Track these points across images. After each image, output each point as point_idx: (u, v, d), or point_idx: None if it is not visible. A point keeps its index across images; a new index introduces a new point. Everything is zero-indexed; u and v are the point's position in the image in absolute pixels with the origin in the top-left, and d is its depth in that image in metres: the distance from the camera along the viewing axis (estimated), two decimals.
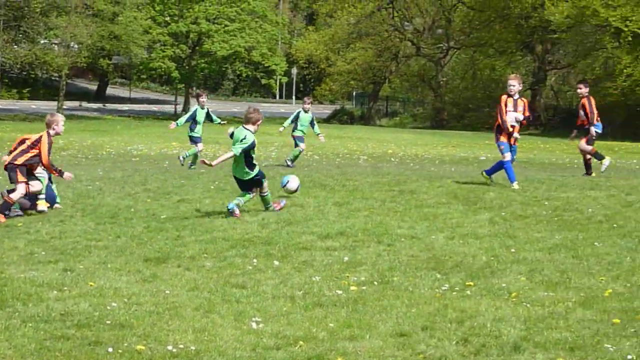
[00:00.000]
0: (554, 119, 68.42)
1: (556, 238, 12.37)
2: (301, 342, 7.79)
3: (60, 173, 14.72)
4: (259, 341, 7.83)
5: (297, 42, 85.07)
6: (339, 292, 9.59)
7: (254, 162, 14.19)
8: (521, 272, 10.43)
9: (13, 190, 14.30)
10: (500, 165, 17.16)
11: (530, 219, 13.82)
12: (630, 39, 54.64)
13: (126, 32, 61.87)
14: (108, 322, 8.26)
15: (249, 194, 14.27)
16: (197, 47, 68.99)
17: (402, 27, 72.91)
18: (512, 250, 11.62)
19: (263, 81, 75.11)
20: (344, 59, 71.98)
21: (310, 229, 12.94)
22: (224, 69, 78.38)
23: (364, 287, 9.82)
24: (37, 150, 14.33)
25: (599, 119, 19.63)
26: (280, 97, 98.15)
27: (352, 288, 9.75)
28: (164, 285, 9.72)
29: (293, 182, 15.61)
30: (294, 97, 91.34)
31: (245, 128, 14.11)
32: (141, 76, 76.28)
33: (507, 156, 16.73)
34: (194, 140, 22.67)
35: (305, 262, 11.03)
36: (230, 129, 14.45)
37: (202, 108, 22.61)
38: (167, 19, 67.71)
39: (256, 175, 14.16)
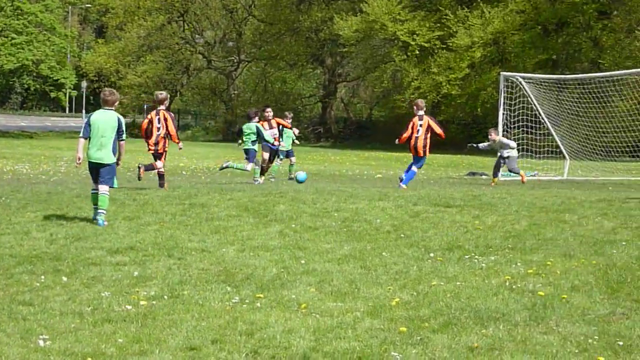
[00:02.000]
0: (344, 131, 69.86)
1: (345, 249, 12.63)
2: (89, 359, 7.64)
3: None
4: (46, 359, 7.63)
5: (86, 55, 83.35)
6: (129, 307, 9.45)
7: None
8: (311, 283, 10.58)
9: None
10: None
11: (320, 230, 14.05)
12: (417, 52, 56.55)
13: None
14: None
15: None
16: None
17: (193, 40, 72.82)
18: (302, 261, 11.78)
19: (52, 94, 73.22)
20: (135, 72, 71.17)
21: (100, 244, 12.71)
22: (11, 82, 75.95)
23: (154, 302, 9.71)
24: None
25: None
26: (70, 110, 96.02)
27: (142, 303, 9.63)
28: None
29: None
30: (84, 110, 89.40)
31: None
32: None
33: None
34: None
35: (94, 278, 10.82)
36: None
37: None
38: None
39: None
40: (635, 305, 9.46)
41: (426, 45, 56.37)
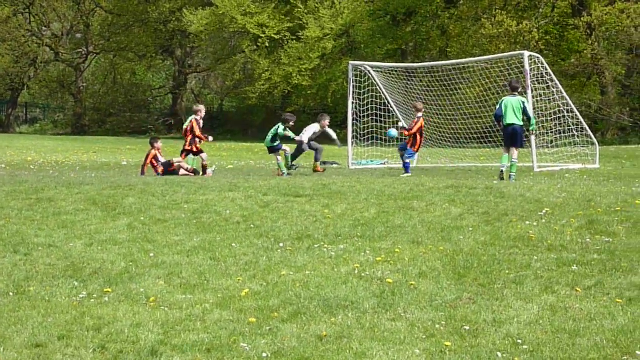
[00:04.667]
0: None
1: (195, 240, 12.55)
2: None
3: None
4: None
5: None
6: None
7: None
8: (160, 276, 10.48)
9: None
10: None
11: (170, 222, 13.92)
12: (267, 44, 56.54)
13: None
14: None
15: None
16: None
17: (40, 33, 70.99)
18: (151, 254, 11.65)
19: None
20: None
21: None
22: None
23: None
24: None
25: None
26: None
27: None
28: None
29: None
30: None
31: None
32: None
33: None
34: None
35: None
36: None
37: None
38: None
39: None
40: (481, 290, 9.69)
41: (276, 37, 56.47)
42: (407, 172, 23.33)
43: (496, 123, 22.08)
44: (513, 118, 20.76)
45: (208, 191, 16.94)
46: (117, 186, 17.55)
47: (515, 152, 20.97)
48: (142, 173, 23.75)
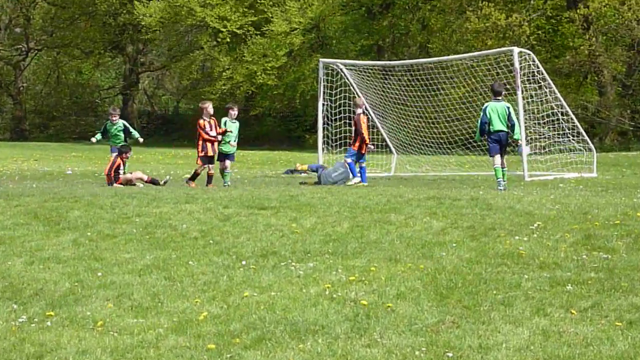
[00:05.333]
0: (148, 126, 69.20)
1: (147, 258, 12.52)
2: None
3: None
4: None
5: None
6: None
7: None
8: (108, 298, 10.45)
9: None
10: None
11: (119, 238, 13.88)
12: (228, 40, 56.46)
13: None
14: None
15: None
16: None
17: None
18: (99, 273, 11.61)
19: None
20: None
21: None
22: None
23: None
24: None
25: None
26: None
27: None
28: None
29: None
30: None
31: None
32: None
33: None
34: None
35: None
36: None
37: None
38: None
39: None
40: (466, 313, 9.72)
41: (239, 32, 56.47)
42: (353, 175, 23.36)
43: (480, 133, 21.52)
44: (500, 124, 20.89)
45: (162, 203, 16.90)
46: (61, 198, 17.48)
47: (503, 159, 21.11)
48: (110, 183, 23.75)
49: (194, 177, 23.66)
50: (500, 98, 21.14)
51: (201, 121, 23.23)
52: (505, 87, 22.62)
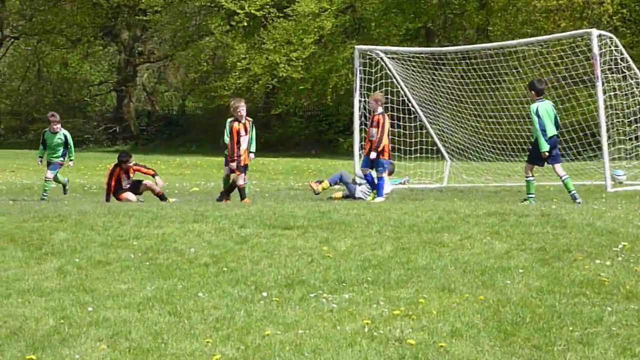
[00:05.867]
0: (148, 129, 69.24)
1: (148, 289, 12.56)
2: None
3: None
4: None
5: None
6: None
7: None
8: (101, 338, 10.48)
9: None
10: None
11: (114, 265, 13.93)
12: (245, 23, 56.27)
13: None
14: None
15: None
16: None
17: None
18: (90, 308, 11.65)
19: None
20: None
21: None
22: None
23: None
24: None
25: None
26: None
27: None
28: None
29: None
30: None
31: None
32: None
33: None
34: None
35: None
36: None
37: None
38: None
39: None
40: (535, 354, 9.70)
41: (257, 13, 56.47)
42: (379, 194, 23.09)
43: (540, 142, 21.30)
44: (552, 129, 21.16)
45: (165, 222, 16.96)
46: (44, 217, 17.58)
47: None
48: (108, 199, 23.91)
49: (229, 191, 23.81)
50: (543, 98, 21.31)
51: (235, 124, 23.01)
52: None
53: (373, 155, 22.81)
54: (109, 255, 14.52)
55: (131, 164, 24.75)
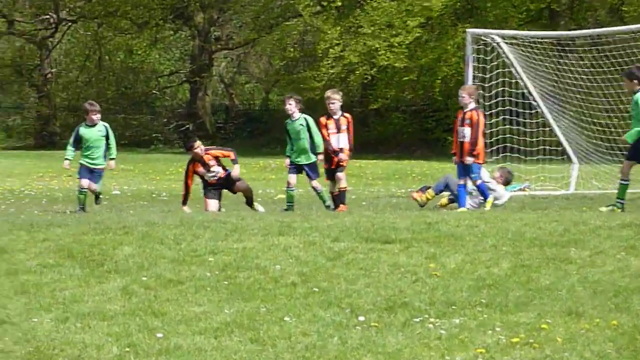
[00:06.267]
0: (226, 127, 69.38)
1: (226, 312, 12.63)
2: None
3: None
4: None
5: None
6: None
7: None
8: None
9: None
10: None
11: (187, 284, 14.01)
12: (339, 3, 56.19)
13: None
14: None
15: None
16: None
17: None
18: (159, 334, 11.74)
19: None
20: None
21: None
22: None
23: None
24: None
25: None
26: None
27: None
28: None
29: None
30: None
31: None
32: None
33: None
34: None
35: None
36: None
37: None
38: None
39: None
40: None
41: None
42: (485, 198, 22.97)
43: None
44: None
45: (246, 235, 17.03)
46: (106, 228, 17.72)
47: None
48: (185, 202, 23.79)
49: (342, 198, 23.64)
50: None
51: (322, 119, 23.40)
52: None
53: (469, 160, 22.72)
54: (181, 274, 14.61)
55: (198, 150, 23.74)
